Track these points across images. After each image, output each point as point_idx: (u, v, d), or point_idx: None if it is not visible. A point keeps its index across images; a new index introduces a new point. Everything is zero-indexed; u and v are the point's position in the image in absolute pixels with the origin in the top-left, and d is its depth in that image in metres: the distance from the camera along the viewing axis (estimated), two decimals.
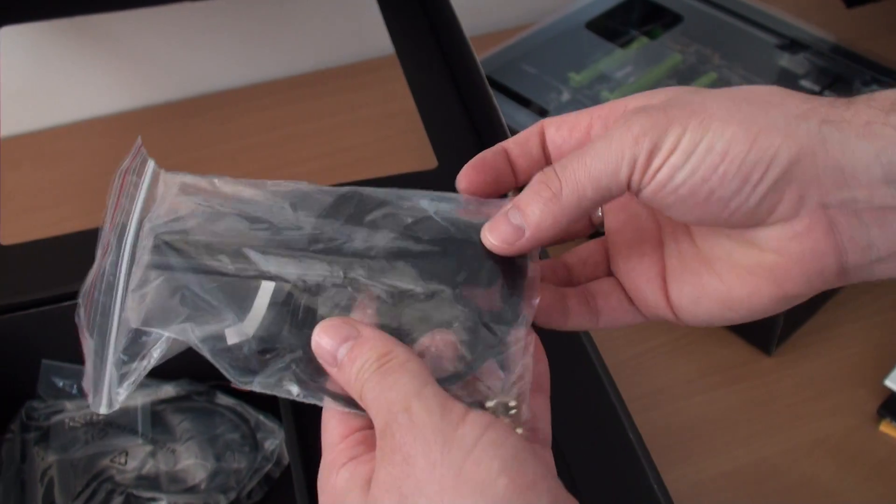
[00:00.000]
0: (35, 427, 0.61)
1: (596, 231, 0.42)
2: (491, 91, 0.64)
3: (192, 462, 0.59)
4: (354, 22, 1.01)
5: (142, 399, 0.62)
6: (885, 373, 0.69)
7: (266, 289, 0.34)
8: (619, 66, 0.89)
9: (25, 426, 0.61)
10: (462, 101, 0.69)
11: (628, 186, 0.34)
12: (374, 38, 0.87)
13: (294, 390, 0.34)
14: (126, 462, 0.60)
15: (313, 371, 0.34)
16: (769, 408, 0.70)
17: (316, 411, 0.35)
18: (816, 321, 0.76)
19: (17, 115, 0.93)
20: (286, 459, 0.61)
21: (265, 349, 0.33)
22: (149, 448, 0.60)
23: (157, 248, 0.34)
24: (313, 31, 1.01)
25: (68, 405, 0.61)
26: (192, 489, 0.58)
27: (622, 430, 0.53)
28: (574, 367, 0.59)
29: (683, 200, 0.33)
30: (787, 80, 0.86)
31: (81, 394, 0.61)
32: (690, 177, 0.33)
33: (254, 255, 0.35)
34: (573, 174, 0.34)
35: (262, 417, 0.62)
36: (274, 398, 0.57)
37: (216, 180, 0.37)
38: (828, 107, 0.33)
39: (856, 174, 0.32)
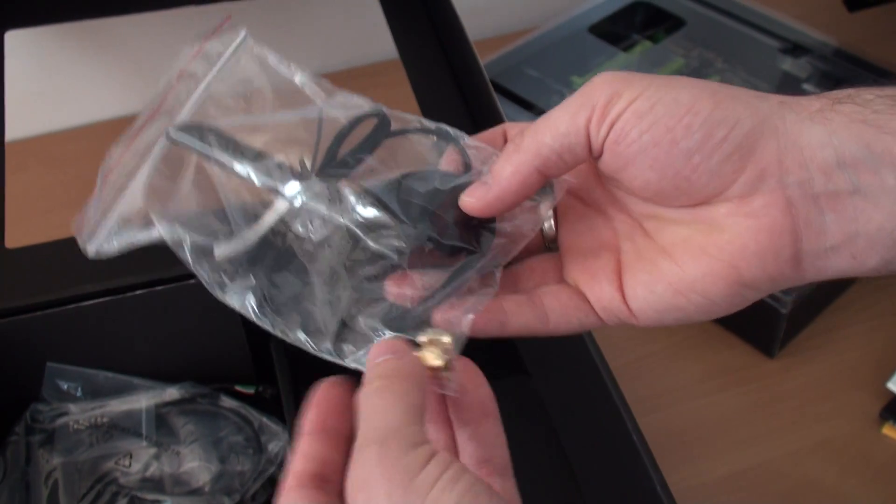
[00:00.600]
0: (40, 430, 0.61)
1: (548, 249, 0.41)
2: (494, 95, 0.64)
3: (196, 464, 0.59)
4: (358, 26, 1.00)
5: (146, 401, 0.62)
6: (888, 376, 0.69)
7: (278, 209, 0.36)
8: (621, 69, 0.88)
9: (30, 429, 0.60)
10: (466, 105, 0.69)
11: (588, 141, 0.34)
12: (378, 42, 0.86)
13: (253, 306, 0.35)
14: (130, 464, 0.60)
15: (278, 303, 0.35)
16: (772, 410, 0.70)
17: None
18: (819, 324, 0.76)
19: (24, 119, 0.92)
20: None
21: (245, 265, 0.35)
22: (153, 450, 0.60)
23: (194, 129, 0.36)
24: (317, 36, 1.00)
25: (73, 408, 0.61)
26: (196, 491, 0.58)
27: (626, 433, 0.53)
28: (577, 369, 0.59)
29: (644, 152, 0.33)
30: (790, 83, 0.86)
31: (86, 396, 0.62)
32: (654, 125, 0.33)
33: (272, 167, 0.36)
34: (534, 127, 0.35)
35: (265, 420, 0.62)
36: (279, 402, 0.61)
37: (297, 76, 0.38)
38: (782, 96, 0.34)
39: (813, 155, 0.33)
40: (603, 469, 0.61)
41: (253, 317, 0.35)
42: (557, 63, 0.89)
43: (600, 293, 0.37)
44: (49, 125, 0.95)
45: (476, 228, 0.36)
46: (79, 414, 0.61)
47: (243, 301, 0.35)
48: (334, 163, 0.37)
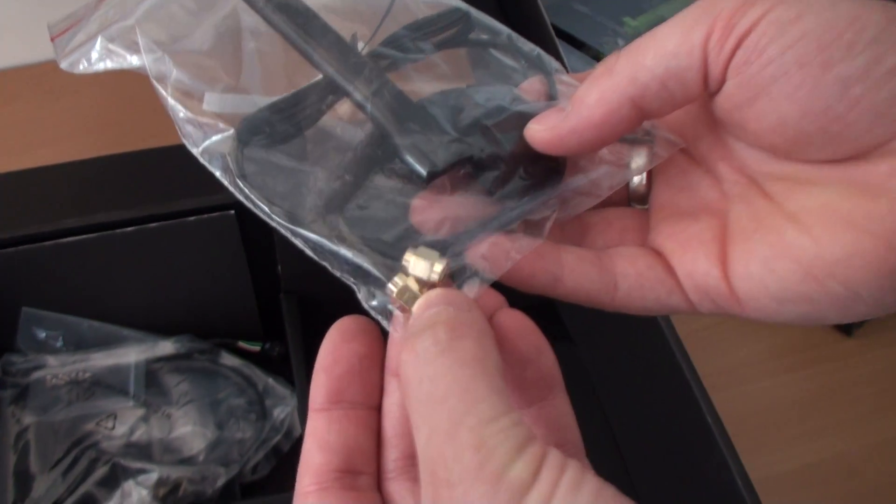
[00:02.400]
0: (12, 384, 0.58)
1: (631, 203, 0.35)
2: (553, 32, 0.60)
3: (189, 430, 0.57)
4: None
5: (135, 356, 0.59)
6: None
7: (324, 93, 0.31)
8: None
9: (1, 382, 0.58)
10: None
11: (704, 66, 0.27)
12: None
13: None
14: (114, 427, 0.57)
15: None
16: (847, 396, 0.65)
17: None
18: None
19: (12, 48, 0.88)
20: (298, 430, 0.58)
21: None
22: (141, 412, 0.58)
23: None
24: None
25: (51, 360, 0.59)
26: (187, 460, 0.55)
27: (697, 415, 0.48)
28: (633, 336, 0.55)
29: (784, 77, 0.26)
30: None
31: (66, 347, 0.59)
32: (800, 40, 0.25)
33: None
34: (634, 45, 0.28)
35: (271, 381, 0.59)
36: (287, 361, 0.59)
37: None
38: None
39: None
40: (661, 454, 0.56)
41: (227, 182, 0.30)
42: (609, 0, 0.82)
43: (693, 266, 0.29)
44: (40, 54, 0.90)
45: (538, 168, 0.31)
46: (57, 367, 0.59)
47: (223, 165, 0.30)
48: (390, 45, 0.32)
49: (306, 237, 0.29)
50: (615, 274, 0.30)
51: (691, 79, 0.27)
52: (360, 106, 0.31)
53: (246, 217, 0.55)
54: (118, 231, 0.55)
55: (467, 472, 0.21)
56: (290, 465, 0.57)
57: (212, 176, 0.30)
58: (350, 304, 0.28)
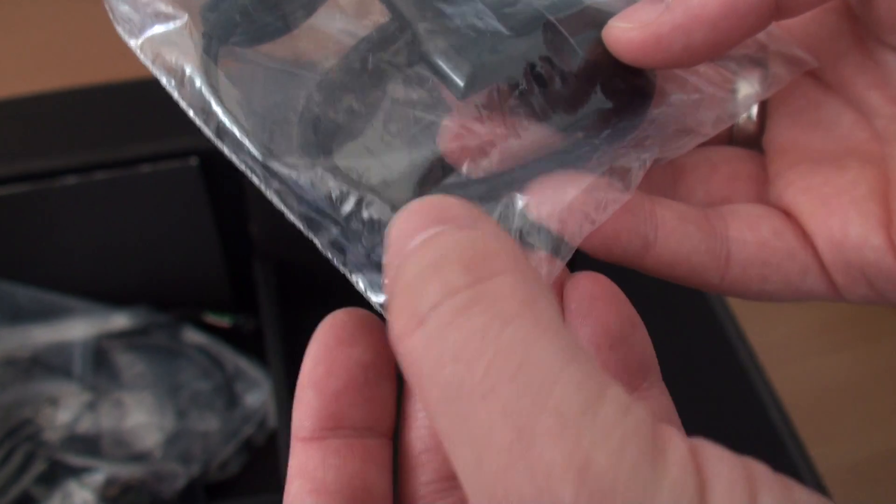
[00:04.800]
0: None
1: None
2: None
3: (143, 420, 0.54)
4: None
5: (82, 331, 0.56)
6: None
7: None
8: None
9: None
10: None
11: None
12: None
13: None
14: (56, 415, 0.54)
15: None
16: None
17: None
18: None
19: None
20: (273, 421, 0.55)
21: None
22: (87, 397, 0.55)
23: None
24: None
25: None
26: (141, 457, 0.52)
27: (752, 395, 0.47)
28: (678, 305, 0.53)
29: None
30: None
31: (0, 320, 0.55)
32: None
33: None
34: None
35: (243, 362, 0.56)
36: (261, 338, 0.53)
37: None
38: None
39: None
40: (721, 433, 0.52)
41: (179, 96, 0.23)
42: None
43: (842, 232, 0.23)
44: None
45: (621, 87, 0.25)
46: None
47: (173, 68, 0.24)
48: None
49: (292, 184, 0.22)
50: (728, 242, 0.24)
51: None
52: None
53: (212, 165, 0.51)
54: (58, 181, 0.50)
55: None
56: (263, 461, 0.55)
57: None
58: (339, 273, 0.22)
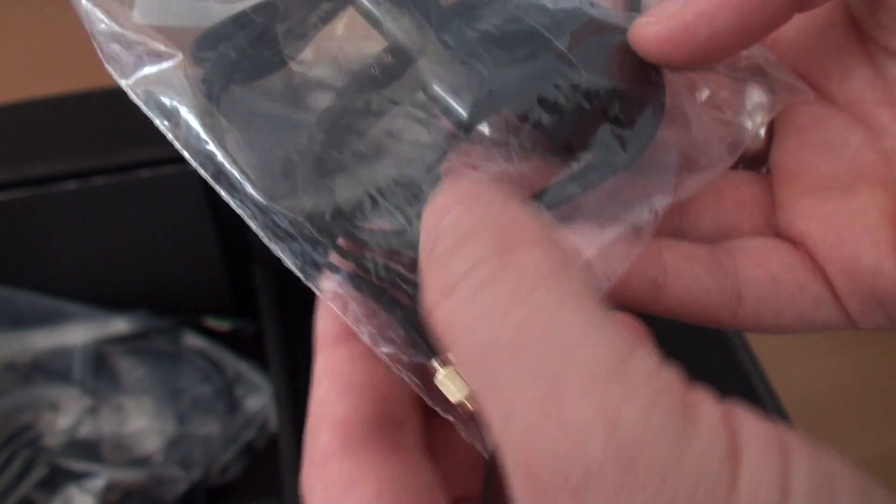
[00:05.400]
0: None
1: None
2: None
3: (144, 424, 0.54)
4: None
5: (82, 336, 0.56)
6: None
7: None
8: None
9: None
10: None
11: None
12: None
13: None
14: (56, 420, 0.54)
15: None
16: None
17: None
18: None
19: None
20: (273, 425, 0.55)
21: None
22: (87, 402, 0.55)
23: None
24: None
25: None
26: (142, 462, 0.52)
27: (753, 393, 0.47)
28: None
29: None
30: None
31: (1, 326, 0.55)
32: None
33: None
34: None
35: (243, 367, 0.57)
36: (261, 343, 0.53)
37: None
38: None
39: None
40: None
41: (173, 137, 0.24)
42: None
43: (855, 261, 0.23)
44: None
45: (630, 104, 0.23)
46: None
47: (168, 108, 0.23)
48: None
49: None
50: (738, 279, 0.24)
51: None
52: (368, 16, 0.23)
53: None
54: (58, 187, 0.51)
55: (604, 473, 0.14)
56: (264, 465, 0.55)
57: None
58: None
